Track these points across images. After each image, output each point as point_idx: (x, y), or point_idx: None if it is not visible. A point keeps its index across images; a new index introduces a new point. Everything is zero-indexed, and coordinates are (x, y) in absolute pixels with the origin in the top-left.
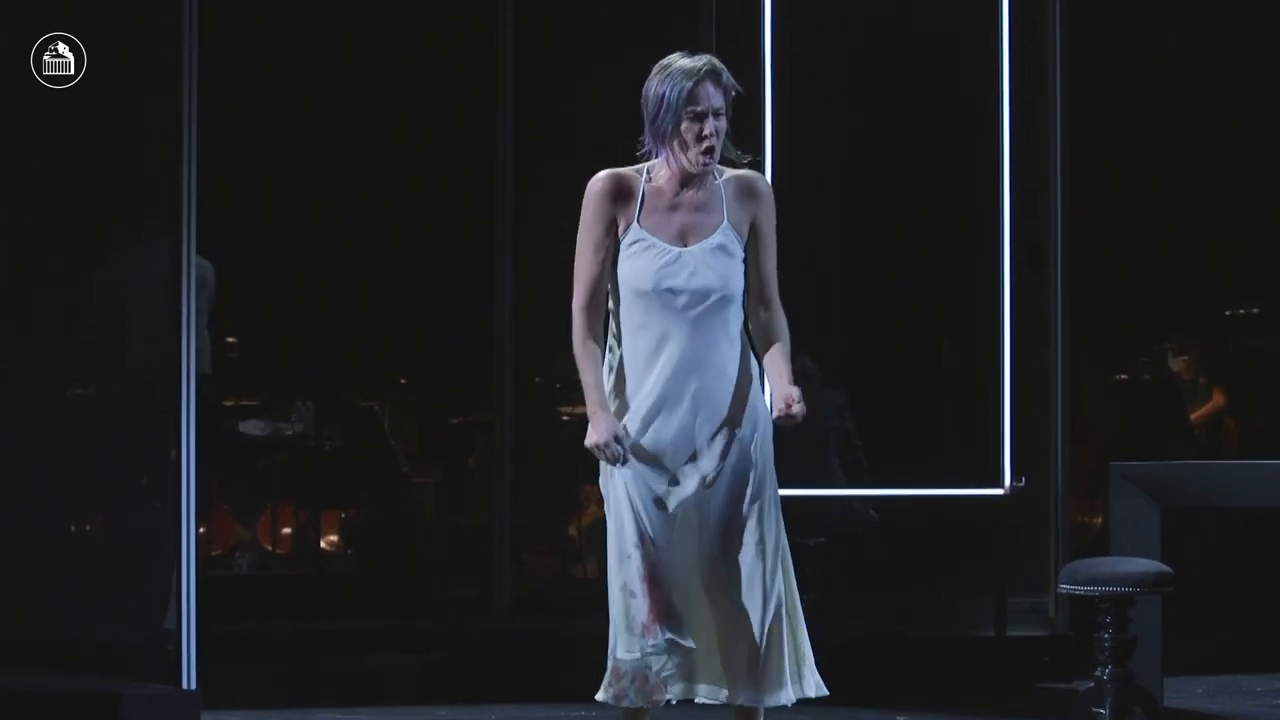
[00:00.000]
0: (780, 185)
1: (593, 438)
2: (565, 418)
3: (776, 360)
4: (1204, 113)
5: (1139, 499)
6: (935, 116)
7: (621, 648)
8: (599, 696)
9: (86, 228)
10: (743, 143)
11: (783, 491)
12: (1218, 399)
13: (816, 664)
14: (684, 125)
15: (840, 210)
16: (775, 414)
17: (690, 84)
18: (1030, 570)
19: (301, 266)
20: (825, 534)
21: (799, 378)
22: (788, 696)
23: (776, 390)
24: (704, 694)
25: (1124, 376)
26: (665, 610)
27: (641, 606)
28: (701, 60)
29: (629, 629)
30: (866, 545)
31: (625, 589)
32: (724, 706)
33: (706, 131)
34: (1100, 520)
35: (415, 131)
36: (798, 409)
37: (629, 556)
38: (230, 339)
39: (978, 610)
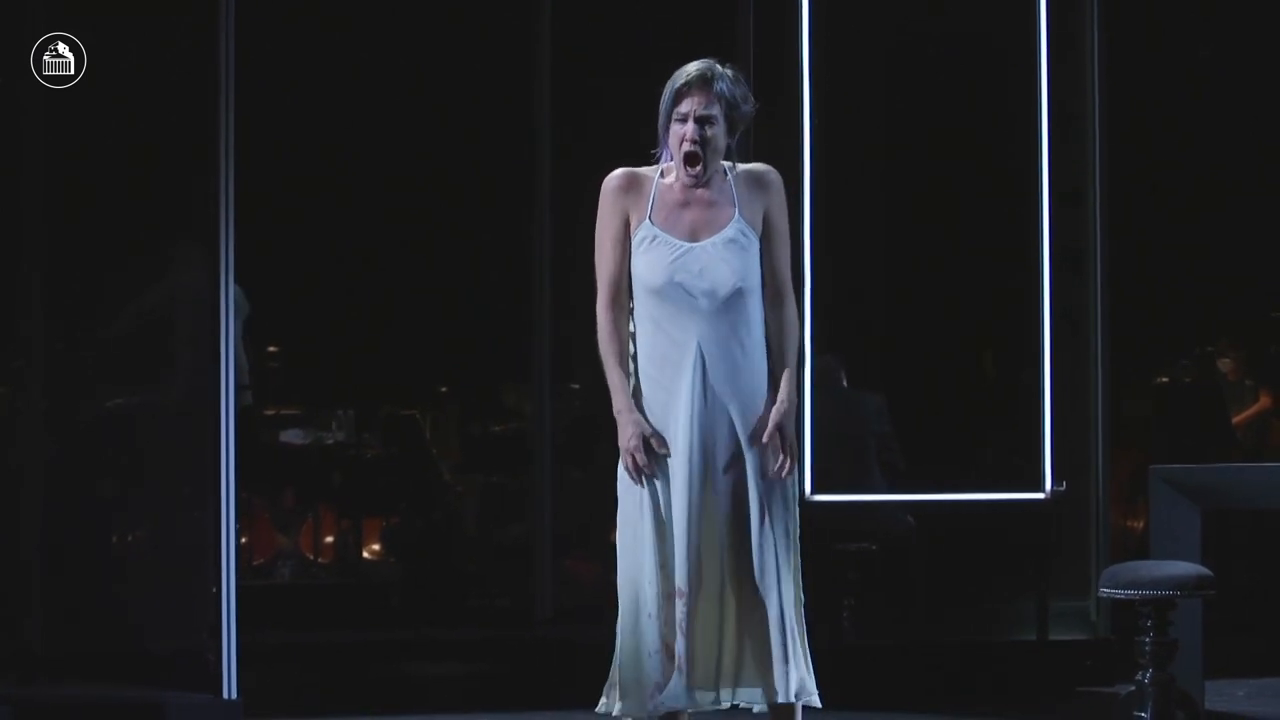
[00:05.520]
0: (819, 189)
1: (622, 442)
2: (605, 425)
3: (777, 368)
4: (1246, 110)
5: (1179, 502)
6: (974, 120)
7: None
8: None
9: (128, 241)
10: (779, 147)
11: (823, 497)
12: (1264, 401)
13: (856, 670)
14: (672, 128)
15: (879, 214)
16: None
17: (676, 88)
18: (1071, 574)
19: (341, 275)
20: (865, 539)
21: (821, 376)
22: (799, 695)
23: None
24: (742, 698)
25: (1165, 379)
26: (671, 669)
27: (654, 667)
28: (698, 65)
29: (636, 684)
30: (907, 550)
31: (641, 620)
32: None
33: (687, 136)
34: (1141, 524)
35: (453, 139)
36: (769, 438)
37: (648, 585)
38: (271, 348)
39: (1019, 614)
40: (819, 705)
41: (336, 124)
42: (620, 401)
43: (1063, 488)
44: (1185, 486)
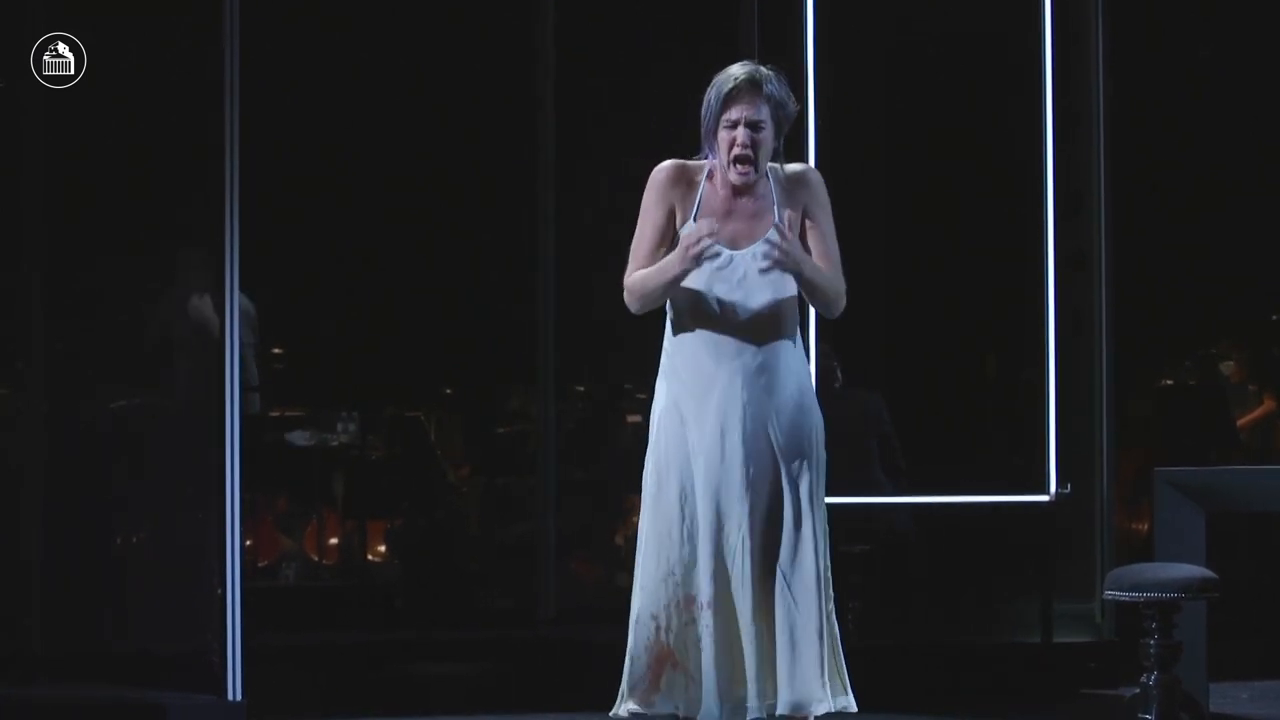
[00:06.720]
0: None
1: (685, 254)
2: (609, 426)
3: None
4: (1247, 110)
5: (1184, 505)
6: (975, 120)
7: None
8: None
9: (128, 241)
10: (788, 150)
11: (827, 500)
12: (1268, 404)
13: (860, 672)
14: (720, 134)
15: (883, 214)
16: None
17: (724, 93)
18: (1076, 576)
19: (344, 276)
20: (869, 541)
21: (821, 375)
22: (837, 704)
23: None
24: (766, 706)
25: (1169, 382)
26: (664, 678)
27: (641, 668)
28: (744, 69)
29: (630, 685)
30: (911, 552)
31: (645, 624)
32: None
33: (738, 141)
34: (1146, 526)
35: (456, 141)
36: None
37: (657, 590)
38: (276, 350)
39: (1024, 616)
40: (854, 709)
41: (337, 124)
42: (666, 262)
43: (1068, 491)
44: (1190, 489)
